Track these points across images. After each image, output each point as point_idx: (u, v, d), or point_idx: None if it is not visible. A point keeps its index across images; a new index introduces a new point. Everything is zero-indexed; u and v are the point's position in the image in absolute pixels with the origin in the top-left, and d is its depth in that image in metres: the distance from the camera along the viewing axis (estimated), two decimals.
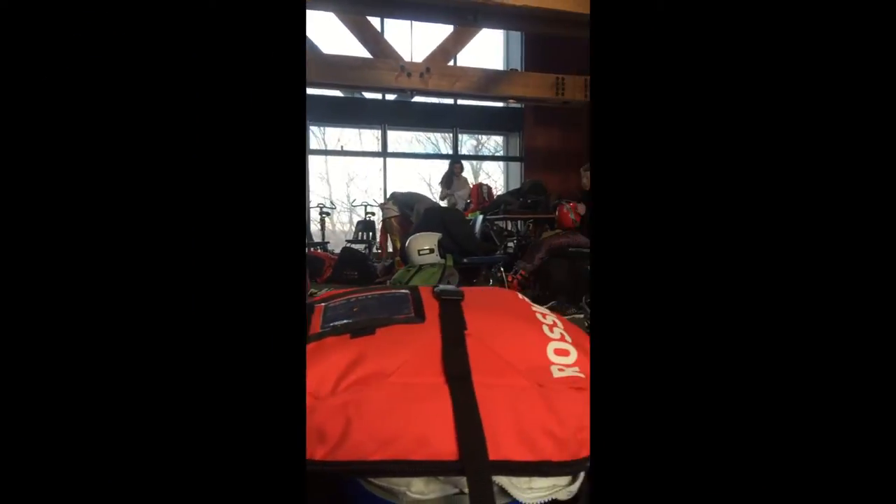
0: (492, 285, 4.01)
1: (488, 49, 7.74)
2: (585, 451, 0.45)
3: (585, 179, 3.67)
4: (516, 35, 7.43)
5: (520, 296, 0.60)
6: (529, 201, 4.79)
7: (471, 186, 6.05)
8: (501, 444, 0.43)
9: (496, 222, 5.04)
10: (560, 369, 0.47)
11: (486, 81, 4.82)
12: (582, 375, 0.47)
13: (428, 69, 4.64)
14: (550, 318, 0.54)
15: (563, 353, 0.49)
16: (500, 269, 3.64)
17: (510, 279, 3.65)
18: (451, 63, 5.04)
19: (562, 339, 0.50)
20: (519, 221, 5.32)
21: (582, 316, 2.21)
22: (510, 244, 4.89)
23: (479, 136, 8.50)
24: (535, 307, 0.56)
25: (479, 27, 4.68)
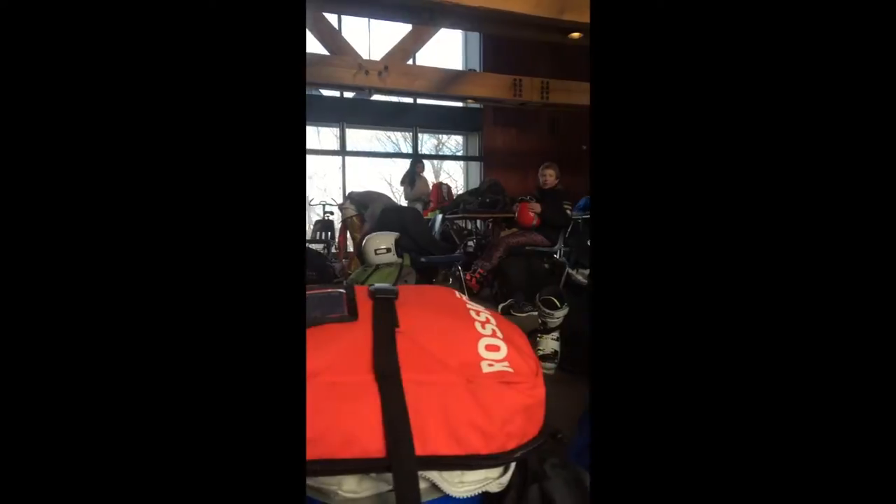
0: (451, 284, 4.04)
1: (448, 49, 7.77)
2: (512, 444, 0.46)
3: (543, 178, 3.74)
4: (475, 36, 7.49)
5: (456, 294, 0.61)
6: (488, 200, 4.84)
7: (431, 186, 6.06)
8: (429, 439, 0.43)
9: (456, 221, 5.07)
10: (490, 364, 0.48)
11: (445, 81, 4.83)
12: (511, 370, 0.48)
13: (386, 67, 4.61)
14: (484, 314, 0.55)
15: (494, 349, 0.50)
16: (458, 267, 3.67)
17: (469, 277, 3.68)
18: (409, 62, 5.02)
19: (493, 335, 0.52)
20: (478, 220, 5.37)
21: (537, 313, 2.26)
22: (470, 243, 4.93)
23: (440, 136, 8.52)
24: (470, 304, 0.57)
25: (437, 27, 4.69)
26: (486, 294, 3.81)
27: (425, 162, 6.77)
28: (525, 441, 0.47)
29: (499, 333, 0.52)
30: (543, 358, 2.14)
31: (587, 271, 2.19)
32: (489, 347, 0.50)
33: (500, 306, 3.49)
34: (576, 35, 4.05)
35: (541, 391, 0.49)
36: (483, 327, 0.52)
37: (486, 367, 0.48)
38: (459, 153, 8.54)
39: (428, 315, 0.52)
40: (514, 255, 3.63)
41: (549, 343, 2.14)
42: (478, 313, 0.55)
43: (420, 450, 0.43)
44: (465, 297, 0.60)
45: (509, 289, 3.55)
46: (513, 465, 0.49)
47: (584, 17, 3.76)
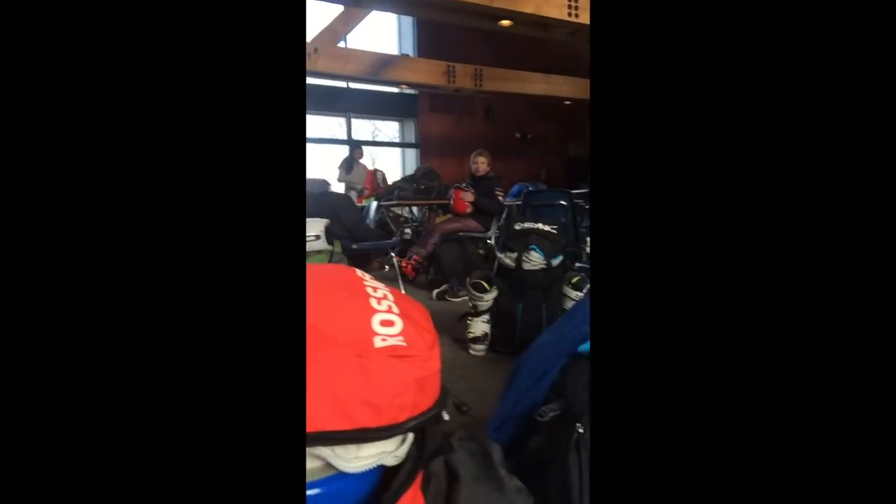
0: (386, 271, 4.01)
1: (382, 33, 7.63)
2: (404, 416, 0.47)
3: (476, 165, 3.79)
4: (408, 21, 7.40)
5: (358, 272, 0.60)
6: (423, 187, 4.84)
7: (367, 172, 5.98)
8: (316, 416, 0.43)
9: (392, 208, 5.03)
10: (383, 339, 0.48)
11: (377, 65, 4.76)
12: (404, 344, 0.49)
13: (316, 49, 4.47)
14: (381, 291, 0.55)
15: (388, 324, 0.50)
16: (392, 254, 3.65)
17: (404, 264, 3.68)
18: (341, 44, 4.89)
19: (389, 310, 0.52)
20: (415, 208, 5.36)
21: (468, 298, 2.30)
22: (407, 230, 4.92)
23: (376, 122, 8.39)
24: (369, 282, 0.57)
25: (367, 9, 4.58)
26: (422, 280, 3.82)
27: (363, 149, 6.65)
28: (417, 413, 0.48)
29: (395, 309, 0.52)
30: (474, 340, 2.18)
31: (514, 254, 2.24)
32: (384, 323, 0.50)
33: (435, 292, 3.52)
34: (506, 22, 4.10)
35: (435, 364, 0.50)
36: (379, 303, 0.52)
37: (378, 342, 0.48)
38: (396, 140, 8.45)
39: (320, 294, 0.52)
40: (449, 241, 3.66)
41: (480, 325, 2.19)
42: (375, 290, 0.55)
43: (307, 427, 0.42)
44: (364, 275, 0.60)
45: (444, 274, 3.58)
46: (410, 438, 0.50)
47: (514, 5, 3.81)
